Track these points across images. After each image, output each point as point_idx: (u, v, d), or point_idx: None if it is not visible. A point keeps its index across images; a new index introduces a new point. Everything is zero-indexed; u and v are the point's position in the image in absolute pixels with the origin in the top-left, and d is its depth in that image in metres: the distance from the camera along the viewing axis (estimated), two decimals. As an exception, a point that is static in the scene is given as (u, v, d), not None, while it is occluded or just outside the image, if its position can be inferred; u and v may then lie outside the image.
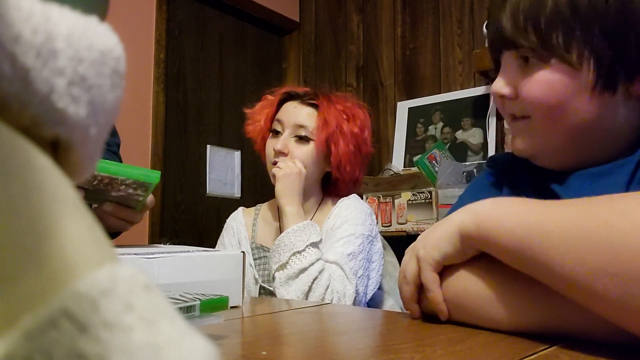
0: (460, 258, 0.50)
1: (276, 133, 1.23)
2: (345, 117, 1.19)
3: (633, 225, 0.35)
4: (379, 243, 1.23)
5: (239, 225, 1.30)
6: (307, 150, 1.20)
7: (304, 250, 1.06)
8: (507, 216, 0.44)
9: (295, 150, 1.20)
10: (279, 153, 1.19)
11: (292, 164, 1.17)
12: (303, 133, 1.19)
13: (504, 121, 2.20)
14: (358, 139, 1.20)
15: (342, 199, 1.25)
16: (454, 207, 0.69)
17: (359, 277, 1.11)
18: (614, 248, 0.36)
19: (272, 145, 1.22)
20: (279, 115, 1.23)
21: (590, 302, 0.38)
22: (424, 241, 0.53)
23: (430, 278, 0.51)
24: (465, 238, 0.48)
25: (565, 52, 0.55)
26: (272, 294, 1.19)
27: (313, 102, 1.21)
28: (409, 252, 0.56)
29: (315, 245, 1.09)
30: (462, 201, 0.68)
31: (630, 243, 0.35)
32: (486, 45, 0.65)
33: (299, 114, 1.21)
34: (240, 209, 1.35)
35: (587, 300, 0.39)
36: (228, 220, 1.34)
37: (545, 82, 0.57)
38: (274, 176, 1.19)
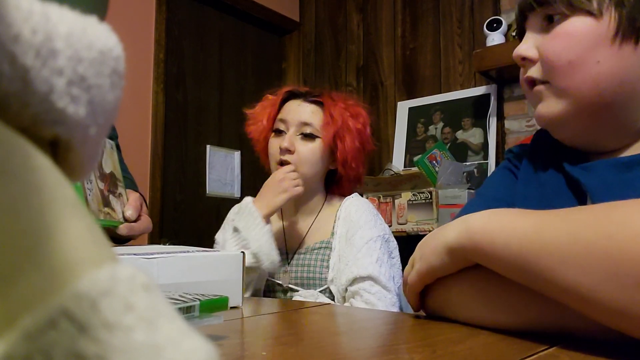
0: (449, 271, 0.51)
1: (279, 132, 1.22)
2: (349, 114, 1.20)
3: (633, 234, 0.35)
4: (393, 239, 1.24)
5: None
6: (313, 148, 1.19)
7: None
8: (502, 229, 0.44)
9: (301, 148, 1.18)
10: (286, 151, 1.18)
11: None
12: (308, 130, 1.18)
13: (505, 121, 2.20)
14: (362, 135, 1.21)
15: (345, 198, 1.25)
16: (473, 202, 0.69)
17: (392, 279, 1.13)
18: (616, 258, 0.36)
19: (277, 143, 1.20)
20: (282, 115, 1.22)
21: (595, 312, 0.38)
22: (421, 250, 0.54)
23: (413, 287, 0.55)
24: (457, 252, 0.48)
25: (587, 1, 0.55)
26: (282, 292, 1.19)
27: (317, 99, 1.21)
28: (412, 257, 0.57)
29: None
30: (480, 198, 0.68)
31: (633, 251, 0.35)
32: (515, 13, 0.65)
33: (303, 112, 1.20)
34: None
35: (591, 309, 0.38)
36: (233, 210, 1.29)
37: (567, 33, 0.57)
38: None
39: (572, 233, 0.39)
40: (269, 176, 1.24)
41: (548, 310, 0.43)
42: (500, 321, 0.47)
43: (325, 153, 1.20)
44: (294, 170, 1.17)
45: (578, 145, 0.62)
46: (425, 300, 0.56)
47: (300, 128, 1.19)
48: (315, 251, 1.20)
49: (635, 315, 0.35)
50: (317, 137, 1.19)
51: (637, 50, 0.55)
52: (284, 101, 1.25)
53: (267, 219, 1.14)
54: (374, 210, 1.23)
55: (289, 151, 1.18)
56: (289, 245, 1.24)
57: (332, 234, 1.21)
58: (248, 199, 1.16)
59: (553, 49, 0.57)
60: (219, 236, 1.26)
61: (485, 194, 0.69)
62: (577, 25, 0.56)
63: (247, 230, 1.10)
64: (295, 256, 1.21)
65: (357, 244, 1.14)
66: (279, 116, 1.23)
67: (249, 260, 1.08)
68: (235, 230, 1.12)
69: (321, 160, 1.21)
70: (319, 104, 1.21)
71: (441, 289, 0.53)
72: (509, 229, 0.43)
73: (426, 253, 0.52)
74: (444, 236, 0.50)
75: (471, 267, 0.50)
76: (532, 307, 0.44)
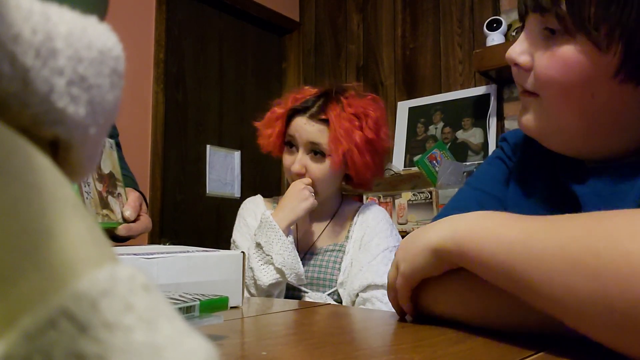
0: (434, 273, 0.50)
1: (291, 146, 1.21)
2: (357, 123, 1.16)
3: (621, 253, 0.33)
4: None
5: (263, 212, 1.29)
6: (324, 168, 1.18)
7: None
8: (489, 236, 0.43)
9: (312, 169, 1.18)
10: (297, 175, 1.18)
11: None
12: (317, 150, 1.18)
13: (505, 121, 2.20)
14: (373, 144, 1.18)
15: (361, 206, 1.27)
16: (463, 193, 0.68)
17: None
18: (604, 278, 0.34)
19: (290, 161, 1.21)
20: (291, 131, 1.21)
21: (583, 329, 0.37)
22: (404, 252, 0.53)
23: (402, 293, 0.53)
24: (443, 255, 0.47)
25: (594, 29, 0.49)
26: (293, 289, 1.19)
27: (323, 117, 1.18)
28: (393, 260, 0.56)
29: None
30: (472, 190, 0.67)
31: (621, 272, 0.33)
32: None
33: (310, 131, 1.18)
34: (259, 196, 1.33)
35: (579, 326, 0.37)
36: (247, 205, 1.30)
37: (565, 60, 0.52)
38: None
39: (559, 246, 0.37)
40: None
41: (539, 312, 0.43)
42: (498, 320, 0.47)
43: (337, 168, 1.19)
44: (310, 183, 1.18)
45: (560, 151, 0.60)
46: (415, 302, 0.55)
47: (308, 147, 1.18)
48: (328, 253, 1.21)
49: (625, 336, 0.34)
50: (327, 155, 1.17)
51: (636, 91, 0.51)
52: (291, 114, 1.23)
53: (288, 229, 1.14)
54: (390, 220, 1.25)
55: (300, 174, 1.18)
56: (301, 244, 1.24)
57: (347, 237, 1.22)
58: (267, 213, 1.15)
59: (549, 73, 0.53)
60: (237, 237, 1.26)
61: (476, 186, 0.68)
62: (578, 55, 0.51)
63: (270, 246, 1.10)
64: (307, 256, 1.22)
65: (372, 251, 1.15)
66: (288, 131, 1.21)
67: (273, 276, 1.08)
68: (258, 245, 1.12)
69: (334, 176, 1.20)
70: (325, 121, 1.17)
71: (428, 288, 0.52)
72: (496, 236, 0.42)
73: (409, 255, 0.51)
74: (428, 239, 0.49)
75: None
76: (529, 308, 0.44)
